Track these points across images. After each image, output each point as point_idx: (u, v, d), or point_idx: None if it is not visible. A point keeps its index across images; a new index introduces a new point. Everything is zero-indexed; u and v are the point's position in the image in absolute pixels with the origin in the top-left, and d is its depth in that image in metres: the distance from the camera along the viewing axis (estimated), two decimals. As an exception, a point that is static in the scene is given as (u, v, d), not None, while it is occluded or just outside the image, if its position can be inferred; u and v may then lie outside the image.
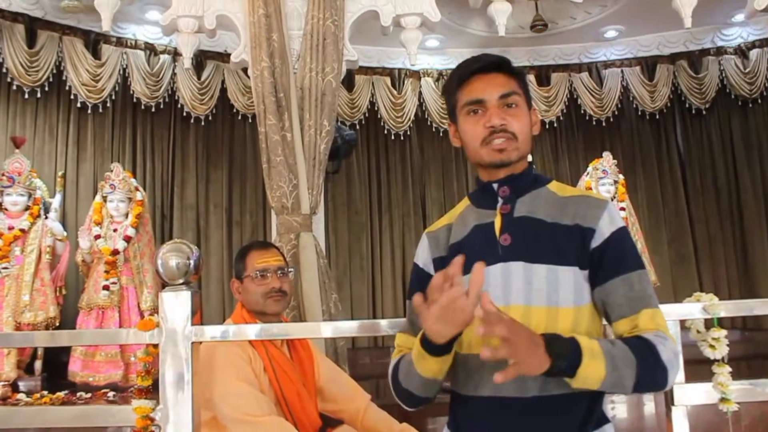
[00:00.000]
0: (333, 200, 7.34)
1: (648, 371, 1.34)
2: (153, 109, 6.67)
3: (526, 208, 1.51)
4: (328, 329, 2.05)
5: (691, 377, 2.04)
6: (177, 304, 1.94)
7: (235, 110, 6.97)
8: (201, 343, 1.96)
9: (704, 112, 7.49)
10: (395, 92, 7.53)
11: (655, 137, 7.71)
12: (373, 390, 6.08)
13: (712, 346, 2.06)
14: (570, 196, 1.51)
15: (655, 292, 1.48)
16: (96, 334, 3.17)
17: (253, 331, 2.02)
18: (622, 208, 6.16)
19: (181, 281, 1.97)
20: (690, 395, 2.00)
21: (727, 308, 2.06)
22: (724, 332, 2.08)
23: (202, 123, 6.90)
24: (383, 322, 2.08)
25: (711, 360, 2.06)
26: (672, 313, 2.04)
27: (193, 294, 1.96)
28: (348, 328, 2.01)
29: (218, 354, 2.22)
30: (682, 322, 2.09)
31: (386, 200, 7.55)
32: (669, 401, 2.02)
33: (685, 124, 7.68)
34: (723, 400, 1.99)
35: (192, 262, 1.98)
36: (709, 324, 2.10)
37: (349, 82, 7.32)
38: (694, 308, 2.06)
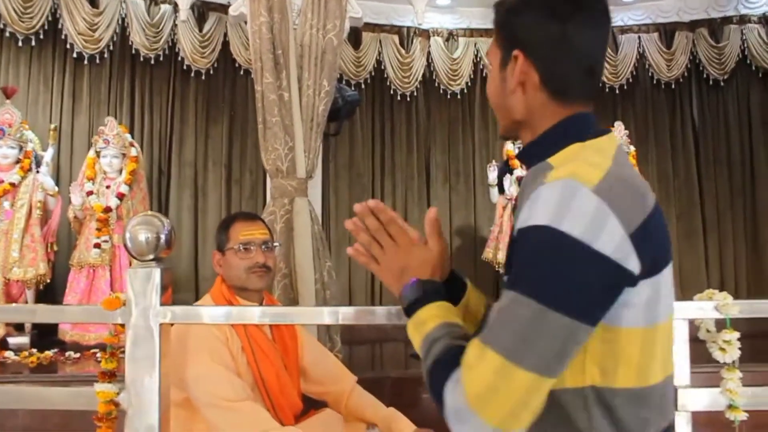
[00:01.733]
0: (334, 161, 7.16)
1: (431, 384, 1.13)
2: (152, 62, 6.45)
3: None
4: (314, 315, 1.89)
5: (697, 381, 1.90)
6: (146, 281, 1.79)
7: (237, 65, 6.75)
8: (172, 324, 1.82)
9: (722, 84, 7.23)
10: (403, 51, 7.28)
11: (670, 108, 7.46)
12: (368, 356, 5.99)
13: (722, 349, 1.91)
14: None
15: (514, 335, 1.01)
16: (54, 311, 2.98)
17: (224, 314, 1.87)
18: (632, 180, 5.96)
19: (151, 257, 1.81)
20: (695, 401, 1.86)
21: (742, 308, 1.90)
22: (736, 334, 1.93)
23: (203, 77, 6.69)
24: (379, 310, 1.91)
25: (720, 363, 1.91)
26: (682, 311, 1.89)
27: (164, 271, 1.81)
28: (343, 314, 1.86)
29: (192, 333, 2.09)
30: (691, 320, 1.94)
31: (390, 163, 7.37)
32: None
33: (701, 95, 7.42)
34: (731, 407, 1.85)
35: (163, 236, 1.82)
36: (720, 324, 1.95)
37: (355, 40, 7.08)
38: (706, 307, 1.90)
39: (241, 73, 6.78)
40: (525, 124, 1.24)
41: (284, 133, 3.93)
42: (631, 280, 1.03)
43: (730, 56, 7.08)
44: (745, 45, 7.08)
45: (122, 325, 1.80)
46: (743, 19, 7.09)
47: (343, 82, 6.71)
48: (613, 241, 1.00)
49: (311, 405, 2.41)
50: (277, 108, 3.94)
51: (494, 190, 5.99)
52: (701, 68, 7.22)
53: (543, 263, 1.01)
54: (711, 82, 7.26)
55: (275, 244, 2.37)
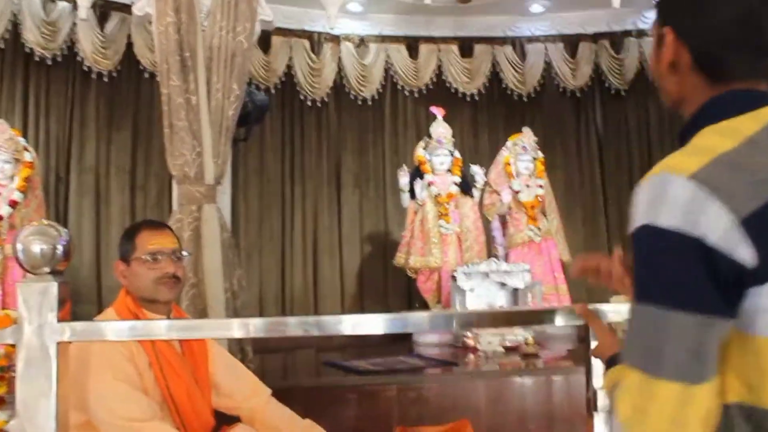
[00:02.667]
0: (244, 166, 7.00)
1: None
2: (49, 62, 6.12)
3: None
4: (225, 328, 1.79)
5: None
6: (40, 296, 1.64)
7: (142, 67, 6.49)
8: (69, 343, 1.68)
9: (623, 94, 7.53)
10: (314, 57, 7.20)
11: (575, 116, 7.70)
12: (280, 365, 5.87)
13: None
14: None
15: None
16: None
17: (129, 329, 1.74)
18: (540, 186, 6.11)
19: (46, 270, 1.67)
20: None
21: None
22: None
23: (105, 79, 6.40)
24: (291, 320, 1.83)
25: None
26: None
27: (61, 285, 1.67)
28: (254, 326, 1.77)
29: (93, 350, 1.95)
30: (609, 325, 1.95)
31: (300, 169, 7.27)
32: (592, 406, 1.89)
33: (604, 105, 7.70)
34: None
35: (60, 247, 1.68)
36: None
37: (265, 44, 6.94)
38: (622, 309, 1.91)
39: (146, 75, 6.52)
40: (683, 104, 1.16)
41: (191, 137, 3.78)
42: (753, 276, 0.92)
43: (630, 68, 7.38)
44: (644, 58, 7.38)
45: (13, 345, 1.65)
46: (641, 33, 7.40)
47: (253, 86, 6.57)
48: (717, 228, 0.92)
49: (223, 421, 2.31)
50: (185, 111, 3.79)
51: (405, 195, 5.99)
52: (604, 78, 7.48)
53: (649, 264, 0.97)
54: (613, 92, 7.54)
55: (184, 253, 2.26)
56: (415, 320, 1.93)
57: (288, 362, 5.00)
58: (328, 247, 7.23)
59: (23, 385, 1.59)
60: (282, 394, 3.86)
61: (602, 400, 1.88)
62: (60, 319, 1.66)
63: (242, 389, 2.35)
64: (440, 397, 4.02)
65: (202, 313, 3.65)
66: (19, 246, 1.66)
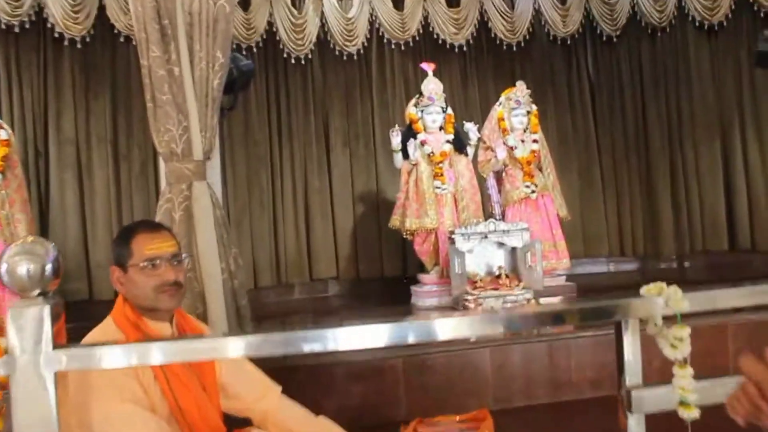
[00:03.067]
0: (229, 131, 6.78)
1: None
2: (16, 29, 5.83)
3: None
4: (230, 346, 1.64)
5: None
6: (33, 323, 1.49)
7: (116, 31, 6.21)
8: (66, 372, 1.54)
9: (615, 40, 7.34)
10: (295, 12, 6.93)
11: (566, 64, 7.51)
12: (278, 327, 5.78)
13: (673, 346, 1.81)
14: None
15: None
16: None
17: (131, 354, 1.59)
18: (535, 140, 5.95)
19: (36, 292, 1.52)
20: (649, 401, 1.76)
21: (691, 301, 1.80)
22: (687, 330, 1.83)
23: (79, 45, 6.12)
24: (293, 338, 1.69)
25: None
26: (634, 311, 1.78)
27: (54, 307, 1.52)
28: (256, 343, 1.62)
29: (95, 371, 1.81)
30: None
31: (287, 129, 7.05)
32: (625, 407, 1.78)
33: (595, 52, 7.51)
34: (683, 404, 1.77)
35: (49, 266, 1.53)
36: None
37: (244, 1, 6.65)
38: (657, 303, 1.79)
39: (122, 39, 6.25)
40: None
41: (177, 112, 3.59)
42: None
43: (621, 12, 7.19)
44: (635, 1, 7.18)
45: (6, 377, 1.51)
46: (633, -24, 7.23)
47: (234, 46, 6.30)
48: None
49: (234, 424, 2.19)
50: (167, 84, 3.58)
51: (398, 156, 5.82)
52: (595, 24, 7.28)
53: None
54: (604, 39, 7.35)
55: (185, 256, 2.10)
56: (453, 326, 1.72)
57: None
58: (319, 209, 7.07)
59: (19, 419, 1.46)
60: (286, 373, 3.78)
61: (637, 400, 1.79)
62: (55, 344, 1.51)
63: (252, 390, 2.23)
64: (446, 368, 3.95)
65: (197, 295, 3.52)
66: (3, 267, 1.51)
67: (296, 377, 3.71)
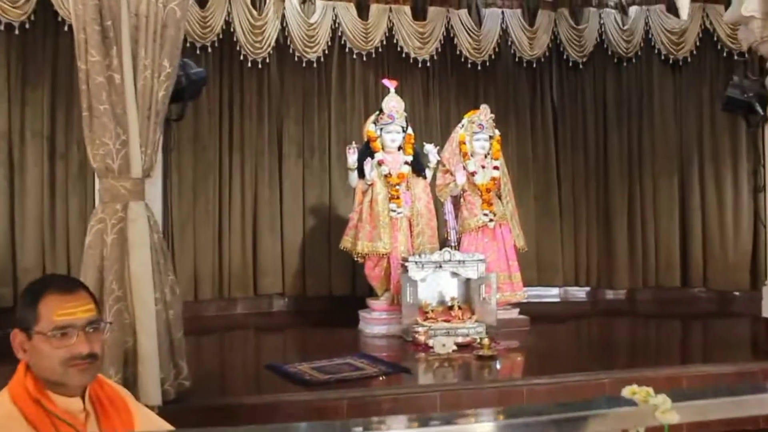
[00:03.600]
0: (177, 134, 6.39)
1: None
2: (-52, 13, 5.39)
3: None
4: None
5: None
6: None
7: (60, 18, 5.79)
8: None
9: (581, 66, 7.23)
10: (255, 13, 6.62)
11: (531, 87, 7.36)
12: (217, 343, 5.46)
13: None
14: None
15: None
16: None
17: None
18: (496, 167, 5.77)
19: None
20: None
21: (684, 414, 1.58)
22: (677, 443, 1.62)
23: (17, 31, 5.70)
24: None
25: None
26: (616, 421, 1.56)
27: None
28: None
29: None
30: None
31: (238, 136, 6.72)
32: None
33: (561, 77, 7.38)
34: None
35: None
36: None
37: (201, -2, 6.33)
38: (645, 415, 1.57)
39: (66, 28, 5.82)
40: None
41: (115, 123, 3.24)
42: None
43: (588, 39, 7.09)
44: (603, 29, 7.10)
45: None
46: (601, 3, 7.15)
47: (187, 45, 5.97)
48: None
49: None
50: (106, 93, 3.24)
51: (353, 174, 5.57)
52: (562, 49, 7.17)
53: None
54: (570, 64, 7.23)
55: (105, 322, 1.77)
56: None
57: (226, 374, 4.57)
58: (268, 222, 6.76)
59: None
60: (223, 413, 3.50)
61: None
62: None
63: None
64: (393, 412, 3.70)
65: (128, 327, 3.19)
66: None
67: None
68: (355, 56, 6.99)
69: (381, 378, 3.95)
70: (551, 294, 7.33)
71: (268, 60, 6.76)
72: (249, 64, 6.69)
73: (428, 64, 7.11)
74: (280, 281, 6.80)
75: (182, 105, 4.03)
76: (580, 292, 7.42)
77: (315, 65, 6.90)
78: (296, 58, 6.84)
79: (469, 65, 7.13)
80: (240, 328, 6.07)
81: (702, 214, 6.99)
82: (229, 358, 4.66)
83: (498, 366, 4.30)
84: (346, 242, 5.59)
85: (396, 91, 5.72)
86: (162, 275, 3.38)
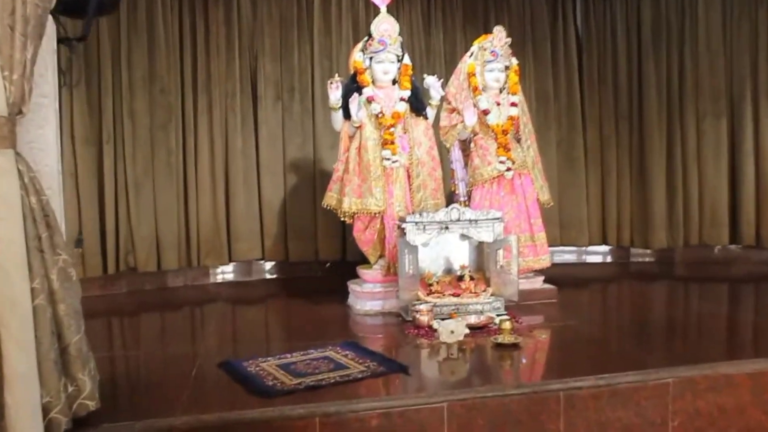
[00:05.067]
0: (127, 72, 5.34)
1: None
2: None
3: None
4: None
5: None
6: None
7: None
8: None
9: (610, -11, 6.10)
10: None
11: (551, 12, 6.24)
12: (168, 326, 4.48)
13: None
14: None
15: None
16: None
17: None
18: (514, 104, 4.70)
19: None
20: None
21: None
22: None
23: None
24: None
25: None
26: None
27: None
28: None
29: None
30: None
31: (204, 75, 5.63)
32: None
33: (586, 3, 6.24)
34: None
35: None
36: None
37: None
38: None
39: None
40: None
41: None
42: None
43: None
44: (639, -60, 5.94)
45: None
46: None
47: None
48: None
49: None
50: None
51: (337, 115, 4.50)
52: (588, -34, 6.02)
53: None
54: (598, -15, 6.09)
55: None
56: None
57: (168, 356, 3.59)
58: (242, 177, 5.73)
59: None
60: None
61: None
62: None
63: None
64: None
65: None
66: None
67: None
68: (342, -22, 5.87)
69: (368, 379, 2.96)
70: (574, 254, 6.33)
71: (237, -17, 5.65)
72: (214, -12, 5.59)
73: (429, -14, 6.00)
74: (258, 246, 5.80)
75: (87, 20, 2.95)
76: (608, 253, 6.41)
77: (294, -11, 5.78)
78: (271, -19, 5.73)
79: (478, -10, 6.02)
80: (205, 303, 5.09)
81: (755, 160, 5.89)
82: (174, 350, 3.66)
83: (523, 360, 3.28)
84: (329, 199, 4.55)
85: (389, 12, 4.62)
86: (45, 255, 2.36)
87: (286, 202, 5.83)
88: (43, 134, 2.74)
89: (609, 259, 6.39)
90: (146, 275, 5.48)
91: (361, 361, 3.20)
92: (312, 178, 5.80)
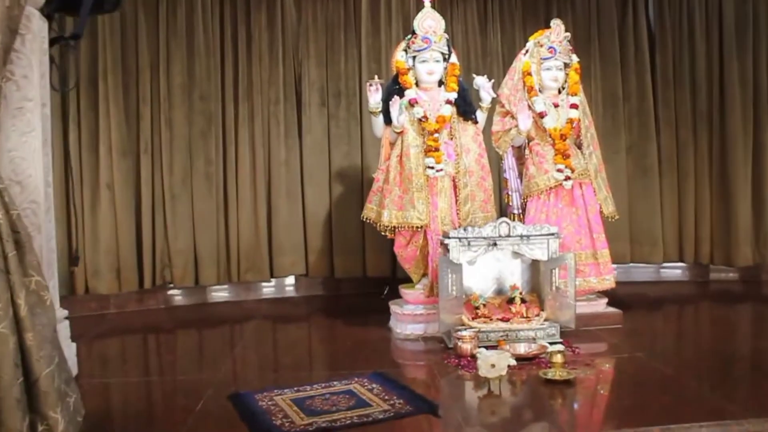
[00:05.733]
0: (166, 80, 5.12)
1: None
2: None
3: None
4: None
5: None
6: None
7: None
8: None
9: (687, -24, 5.52)
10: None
11: (620, 8, 5.72)
12: (192, 347, 4.17)
13: None
14: None
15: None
16: None
17: None
18: (574, 106, 4.22)
19: None
20: None
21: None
22: None
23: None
24: None
25: None
26: None
27: None
28: None
29: None
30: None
31: (246, 81, 5.36)
32: None
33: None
34: None
35: None
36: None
37: None
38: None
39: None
40: None
41: None
42: None
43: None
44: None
45: None
46: None
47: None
48: None
49: None
50: None
51: (378, 120, 4.14)
52: (661, -45, 5.47)
53: None
54: (673, -25, 5.53)
55: None
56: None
57: (178, 385, 3.27)
58: (285, 188, 5.42)
59: None
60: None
61: None
62: None
63: None
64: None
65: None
66: None
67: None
68: (391, -24, 5.51)
69: (389, 420, 2.55)
70: (648, 272, 5.75)
71: (281, -14, 5.37)
72: (257, -7, 5.34)
73: (485, -17, 5.58)
74: (302, 261, 5.47)
75: (83, 17, 2.65)
76: (684, 271, 5.80)
77: (340, -10, 5.45)
78: (316, -18, 5.44)
79: (539, -19, 5.56)
80: (241, 321, 4.77)
81: None
82: (189, 377, 3.32)
83: (575, 403, 2.80)
84: (369, 211, 4.19)
85: (440, 11, 4.24)
86: (11, 276, 2.07)
87: (332, 215, 5.49)
88: (26, 142, 2.48)
89: (686, 277, 5.77)
90: (184, 290, 5.24)
91: (386, 397, 2.80)
92: (359, 189, 5.44)
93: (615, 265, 5.36)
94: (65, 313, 2.92)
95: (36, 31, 2.51)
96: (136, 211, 5.08)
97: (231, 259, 5.33)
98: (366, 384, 2.99)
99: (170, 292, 5.25)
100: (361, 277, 5.52)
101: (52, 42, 2.70)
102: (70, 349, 2.89)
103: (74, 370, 2.87)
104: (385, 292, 4.94)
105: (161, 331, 4.53)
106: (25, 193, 2.37)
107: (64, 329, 2.85)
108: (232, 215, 5.32)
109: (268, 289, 5.54)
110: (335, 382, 3.02)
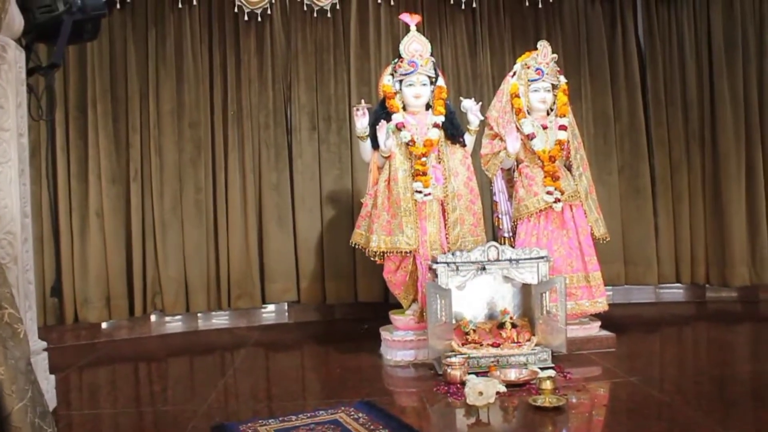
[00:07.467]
0: (155, 105, 5.12)
1: None
2: None
3: None
4: None
5: None
6: None
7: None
8: None
9: (676, -5, 5.52)
10: (250, -49, 5.24)
11: (609, 25, 5.69)
12: (182, 375, 4.10)
13: None
14: None
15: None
16: None
17: None
18: (563, 127, 4.20)
19: None
20: None
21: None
22: None
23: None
24: None
25: None
26: None
27: None
28: None
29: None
30: None
31: (235, 107, 5.35)
32: None
33: (649, 11, 5.66)
34: None
35: None
36: None
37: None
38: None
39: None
40: None
41: None
42: None
43: (685, -44, 5.37)
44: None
45: None
46: None
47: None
48: None
49: None
50: None
51: (365, 144, 4.11)
52: (649, -29, 5.47)
53: None
54: (661, -6, 5.53)
55: None
56: None
57: (162, 415, 3.21)
58: (276, 213, 5.38)
59: None
60: None
61: None
62: None
63: None
64: None
65: None
66: None
67: None
68: (380, 0, 5.50)
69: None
70: (644, 293, 5.69)
71: (269, 11, 5.38)
72: (246, 17, 5.33)
73: (474, 5, 5.57)
74: (293, 287, 5.41)
75: (59, 47, 2.63)
76: (681, 292, 5.74)
77: (329, 14, 5.44)
78: (305, 7, 5.44)
79: (528, 3, 5.54)
80: (232, 349, 4.71)
81: None
82: (173, 408, 3.25)
83: (564, 431, 2.74)
84: (357, 237, 4.15)
85: (428, 35, 4.23)
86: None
87: (323, 240, 5.44)
88: (2, 172, 2.44)
89: (682, 298, 5.71)
90: (175, 318, 5.20)
91: (372, 427, 2.74)
92: (351, 213, 5.39)
93: (612, 287, 5.34)
94: (43, 344, 2.87)
95: (12, 61, 2.49)
96: (126, 239, 5.06)
97: (221, 287, 5.28)
98: (352, 413, 2.93)
99: (161, 319, 5.21)
100: (353, 302, 5.46)
101: (31, 72, 2.68)
102: (48, 382, 2.83)
103: (52, 403, 2.81)
104: (365, 327, 4.87)
105: (151, 360, 4.48)
106: (1, 224, 2.33)
107: (41, 361, 2.79)
108: (222, 242, 5.28)
109: (260, 315, 5.48)
110: (321, 412, 2.97)
